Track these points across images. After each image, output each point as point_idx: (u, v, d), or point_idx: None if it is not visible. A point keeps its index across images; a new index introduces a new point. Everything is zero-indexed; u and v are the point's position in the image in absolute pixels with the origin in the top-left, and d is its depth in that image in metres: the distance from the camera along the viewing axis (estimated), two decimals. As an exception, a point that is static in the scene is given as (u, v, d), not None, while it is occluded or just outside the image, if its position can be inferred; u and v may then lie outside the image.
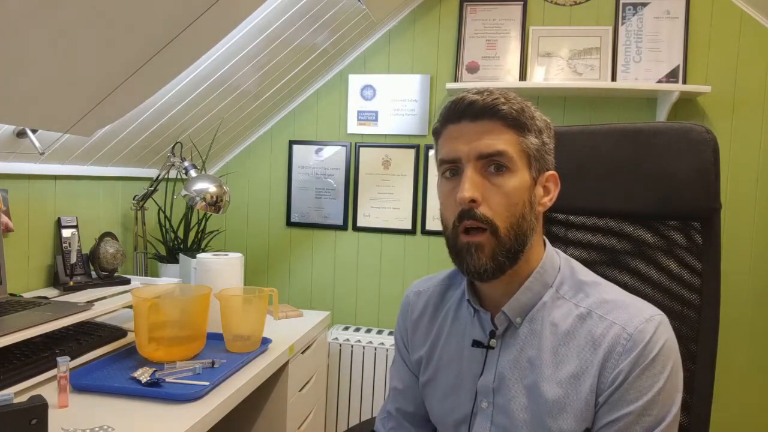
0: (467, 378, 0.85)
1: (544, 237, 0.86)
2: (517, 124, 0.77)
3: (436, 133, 0.83)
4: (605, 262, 1.02)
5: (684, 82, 2.05)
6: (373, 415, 2.14)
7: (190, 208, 2.15)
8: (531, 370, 0.79)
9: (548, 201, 0.82)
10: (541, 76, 2.15)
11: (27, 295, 1.52)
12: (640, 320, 0.74)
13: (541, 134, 0.79)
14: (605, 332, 0.75)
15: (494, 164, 0.76)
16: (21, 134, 1.43)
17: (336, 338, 2.21)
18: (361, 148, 2.35)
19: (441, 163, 0.81)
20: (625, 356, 0.73)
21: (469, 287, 0.87)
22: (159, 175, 1.97)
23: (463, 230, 0.77)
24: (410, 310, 0.98)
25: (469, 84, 2.17)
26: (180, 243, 2.13)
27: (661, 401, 0.72)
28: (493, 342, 0.83)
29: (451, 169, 0.79)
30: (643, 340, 0.72)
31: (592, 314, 0.77)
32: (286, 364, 1.64)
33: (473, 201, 0.75)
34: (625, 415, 0.72)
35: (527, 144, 0.77)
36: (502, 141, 0.76)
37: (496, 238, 0.75)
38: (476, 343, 0.84)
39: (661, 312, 0.77)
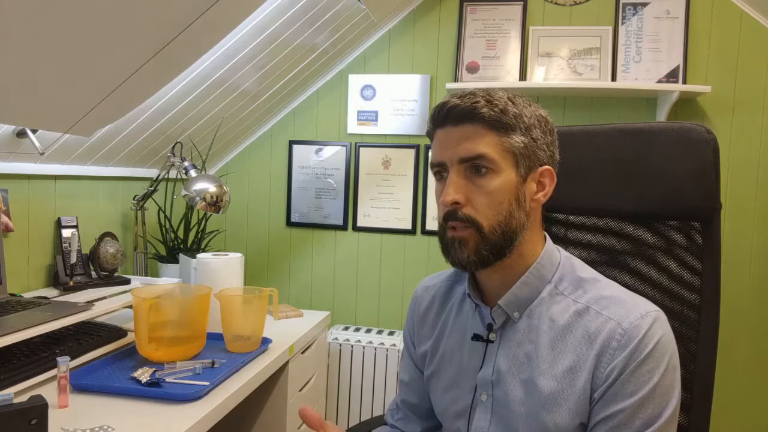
0: (468, 371, 0.87)
1: (546, 233, 0.87)
2: (499, 125, 0.78)
3: (429, 135, 0.86)
4: (605, 262, 1.02)
5: (684, 82, 2.05)
6: (373, 415, 2.15)
7: (190, 208, 2.15)
8: (528, 365, 0.80)
9: (542, 196, 0.82)
10: (541, 76, 2.15)
11: (27, 295, 1.52)
12: (636, 316, 0.74)
13: (529, 131, 0.80)
14: (601, 327, 0.76)
15: (476, 167, 0.78)
16: (21, 134, 1.43)
17: (336, 338, 2.21)
18: (361, 148, 2.35)
19: (431, 166, 0.85)
20: (619, 352, 0.73)
21: (471, 282, 0.88)
22: (159, 175, 1.97)
23: (451, 227, 0.80)
24: (417, 304, 1.01)
25: (469, 84, 2.17)
26: (180, 243, 2.13)
27: (656, 398, 0.72)
28: (492, 336, 0.84)
29: (439, 172, 0.82)
30: (638, 335, 0.73)
31: (590, 310, 0.78)
32: (286, 364, 1.64)
33: (457, 203, 0.78)
34: (620, 411, 0.72)
35: (511, 143, 0.78)
36: (482, 144, 0.77)
37: (480, 234, 0.78)
38: (476, 337, 0.85)
39: (658, 308, 0.77)
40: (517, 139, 0.78)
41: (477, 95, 0.79)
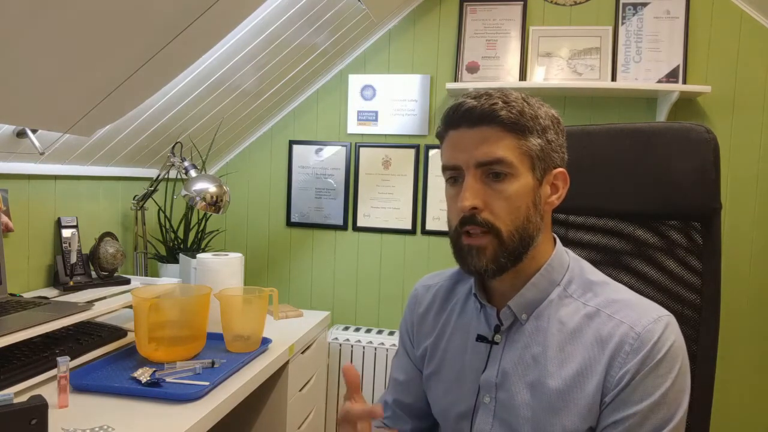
0: (470, 372, 0.86)
1: (554, 235, 0.86)
2: (517, 127, 0.76)
3: (440, 137, 0.83)
4: (606, 262, 1.02)
5: (684, 82, 2.05)
6: (373, 415, 2.14)
7: (190, 208, 2.15)
8: (535, 367, 0.79)
9: (556, 199, 0.82)
10: (541, 76, 2.15)
11: (27, 295, 1.52)
12: (649, 320, 0.74)
13: (545, 133, 0.78)
14: (613, 331, 0.75)
15: (494, 171, 0.76)
16: (21, 134, 1.43)
17: (336, 338, 2.21)
18: (361, 148, 2.35)
19: (444, 169, 0.82)
20: (632, 356, 0.72)
21: (478, 282, 0.87)
22: (159, 175, 1.97)
23: (465, 232, 0.78)
24: (418, 303, 0.99)
25: (469, 84, 2.17)
26: (180, 243, 2.13)
27: (667, 403, 0.72)
28: (497, 337, 0.83)
29: (454, 175, 0.80)
30: (651, 339, 0.72)
31: (600, 313, 0.77)
32: (286, 364, 1.64)
33: (474, 208, 0.76)
34: (630, 416, 0.72)
35: (528, 146, 0.77)
36: (500, 147, 0.75)
37: (499, 240, 0.76)
38: (480, 338, 0.84)
39: (669, 313, 0.76)
40: (534, 142, 0.77)
41: (493, 96, 0.77)
